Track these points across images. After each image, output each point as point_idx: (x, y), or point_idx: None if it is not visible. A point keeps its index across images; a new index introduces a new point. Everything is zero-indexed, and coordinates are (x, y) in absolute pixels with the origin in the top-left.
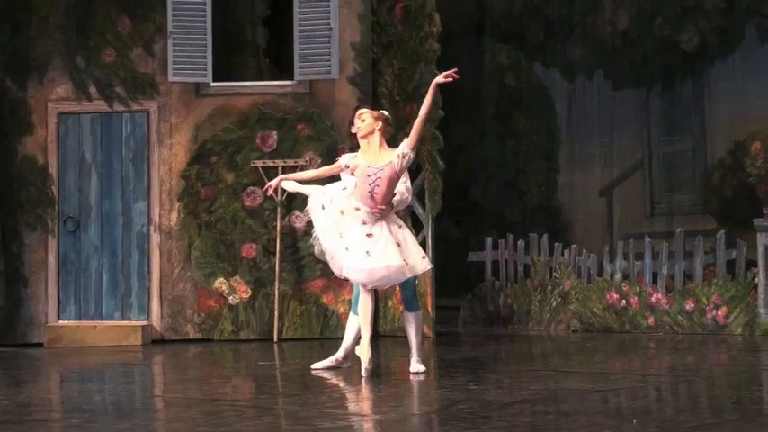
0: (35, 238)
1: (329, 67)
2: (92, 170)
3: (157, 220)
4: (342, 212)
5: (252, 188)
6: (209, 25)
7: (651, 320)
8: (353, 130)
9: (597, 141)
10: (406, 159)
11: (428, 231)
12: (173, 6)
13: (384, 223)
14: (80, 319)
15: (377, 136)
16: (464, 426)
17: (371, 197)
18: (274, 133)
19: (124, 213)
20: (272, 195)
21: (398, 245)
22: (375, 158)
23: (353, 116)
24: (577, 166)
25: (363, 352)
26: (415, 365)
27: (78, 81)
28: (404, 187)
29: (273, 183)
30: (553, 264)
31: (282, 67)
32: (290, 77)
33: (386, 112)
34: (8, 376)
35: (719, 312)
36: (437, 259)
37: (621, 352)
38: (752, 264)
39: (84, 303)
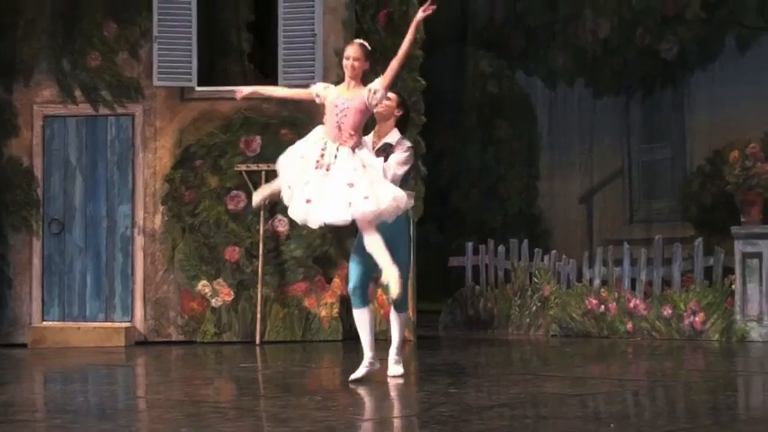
0: (20, 240)
1: (313, 72)
2: (77, 173)
3: (141, 222)
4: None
5: (236, 192)
6: (194, 30)
7: (629, 326)
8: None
9: (577, 148)
10: (378, 95)
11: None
12: (158, 11)
13: (344, 158)
14: (64, 321)
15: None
16: (444, 429)
17: (338, 128)
18: (258, 138)
19: (108, 216)
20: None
21: (352, 185)
22: (346, 92)
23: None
24: (558, 173)
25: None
26: (394, 368)
27: (64, 84)
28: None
29: (245, 90)
30: (533, 269)
31: (267, 72)
32: (275, 82)
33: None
34: None
35: (697, 318)
36: (418, 264)
37: (600, 357)
38: (729, 271)
39: (68, 305)
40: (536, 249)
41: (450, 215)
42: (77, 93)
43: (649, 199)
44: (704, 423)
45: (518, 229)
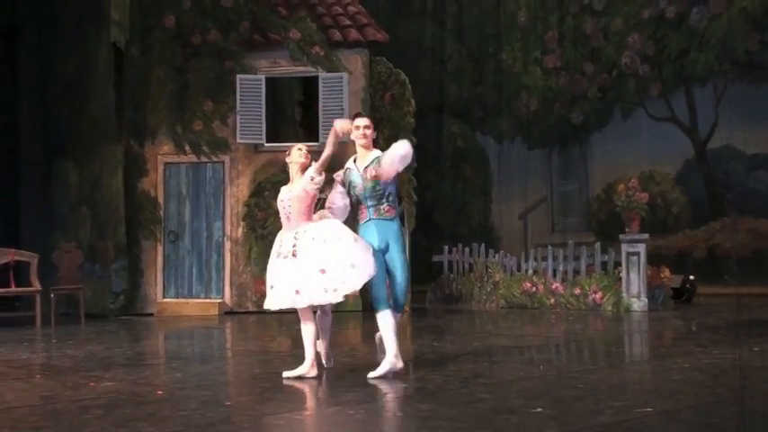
0: (148, 245)
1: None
2: (186, 200)
3: (229, 233)
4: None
5: None
6: (263, 105)
7: (552, 301)
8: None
9: (517, 183)
10: (314, 180)
11: (406, 242)
12: (240, 93)
13: (307, 238)
14: (177, 298)
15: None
16: (430, 369)
17: (288, 219)
18: None
19: (207, 229)
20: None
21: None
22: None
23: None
24: (504, 200)
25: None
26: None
27: (178, 142)
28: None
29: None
30: (488, 263)
31: (311, 133)
32: (317, 140)
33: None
34: (130, 335)
35: (597, 296)
36: (412, 259)
37: (532, 322)
38: (618, 264)
39: (180, 287)
40: (490, 250)
41: (433, 227)
42: (187, 147)
43: (565, 216)
44: (602, 365)
45: (478, 237)
